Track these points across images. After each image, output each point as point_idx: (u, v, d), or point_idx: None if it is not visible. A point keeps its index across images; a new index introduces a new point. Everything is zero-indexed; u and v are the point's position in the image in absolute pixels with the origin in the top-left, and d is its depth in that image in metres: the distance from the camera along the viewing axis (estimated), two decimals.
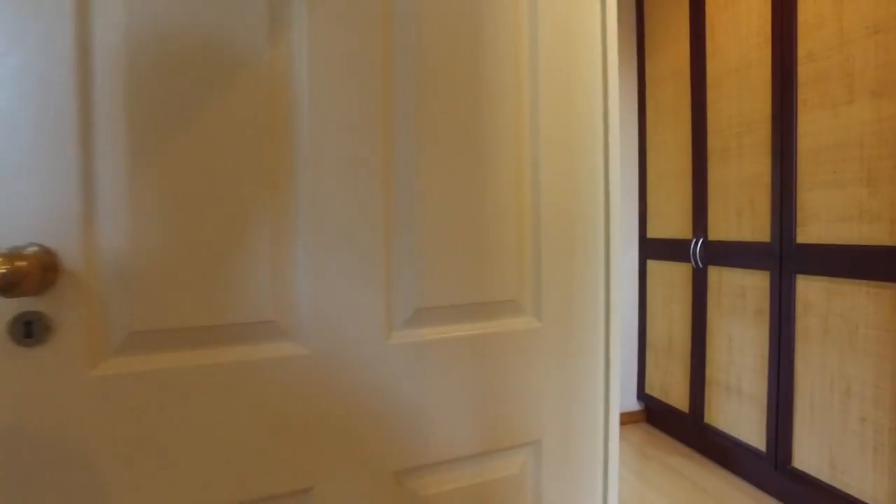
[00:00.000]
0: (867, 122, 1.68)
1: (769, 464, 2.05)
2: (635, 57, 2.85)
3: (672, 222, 2.64)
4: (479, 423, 0.75)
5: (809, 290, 1.88)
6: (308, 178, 0.66)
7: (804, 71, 1.89)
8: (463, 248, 0.74)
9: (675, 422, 2.69)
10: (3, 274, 0.49)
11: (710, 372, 2.38)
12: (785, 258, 1.97)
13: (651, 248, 2.80)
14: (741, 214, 2.19)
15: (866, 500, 1.68)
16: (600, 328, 0.84)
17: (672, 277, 2.64)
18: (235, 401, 0.63)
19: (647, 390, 2.83)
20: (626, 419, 2.89)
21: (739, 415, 2.22)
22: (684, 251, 2.52)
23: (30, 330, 0.54)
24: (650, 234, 2.81)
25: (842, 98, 1.75)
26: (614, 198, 0.84)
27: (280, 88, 0.65)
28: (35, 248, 0.54)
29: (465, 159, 0.74)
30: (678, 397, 2.60)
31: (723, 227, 2.30)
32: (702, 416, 2.42)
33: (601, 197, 0.84)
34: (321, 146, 0.66)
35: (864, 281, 1.69)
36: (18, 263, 0.50)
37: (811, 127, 1.87)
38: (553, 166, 0.79)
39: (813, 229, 1.87)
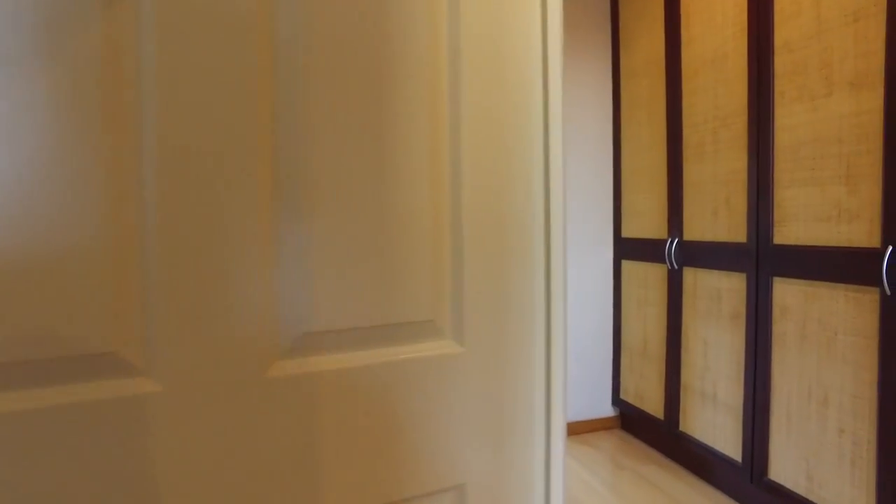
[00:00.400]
0: (846, 116, 1.58)
1: (745, 475, 1.96)
2: (609, 47, 2.74)
3: (647, 221, 2.53)
4: (388, 467, 0.63)
5: (787, 293, 1.79)
6: (157, 174, 0.52)
7: (781, 62, 1.79)
8: (365, 259, 0.61)
9: (649, 429, 2.60)
10: None
11: (686, 377, 2.29)
12: (762, 260, 1.87)
13: (626, 248, 2.70)
14: (717, 213, 2.09)
15: None
16: (539, 350, 0.72)
17: (647, 278, 2.54)
18: (63, 452, 0.50)
19: (622, 395, 2.73)
20: (600, 425, 2.79)
21: (715, 423, 2.12)
22: (659, 251, 2.42)
23: None
24: (625, 234, 2.71)
25: (820, 90, 1.65)
26: (556, 198, 0.72)
27: (118, 66, 0.51)
28: None
29: (366, 153, 0.61)
30: (653, 403, 2.50)
31: (698, 227, 2.20)
32: (676, 424, 2.33)
33: (540, 198, 0.72)
34: (175, 135, 0.53)
35: (843, 284, 1.59)
36: None
37: (788, 121, 1.77)
38: (479, 162, 0.67)
39: (790, 229, 1.77)
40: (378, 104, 0.61)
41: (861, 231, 1.54)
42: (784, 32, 1.77)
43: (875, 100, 1.49)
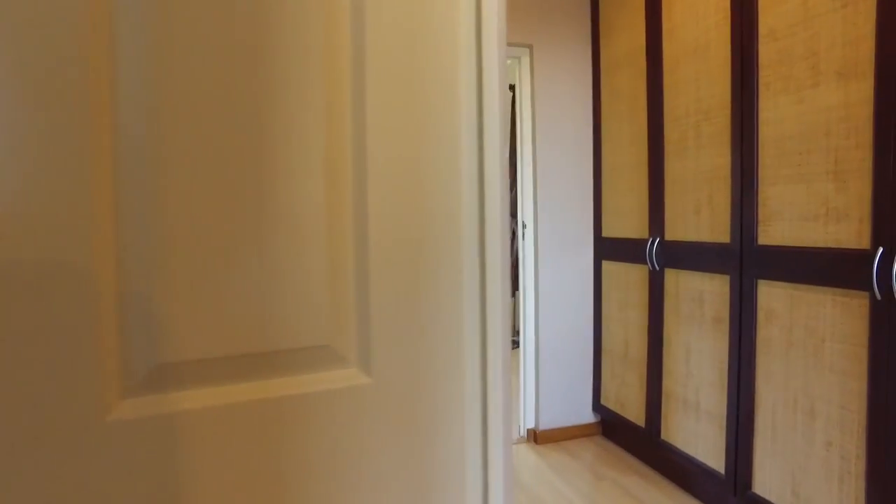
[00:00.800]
0: (834, 108, 1.47)
1: (728, 487, 1.86)
2: (589, 40, 2.63)
3: (628, 220, 2.43)
4: None
5: (772, 297, 1.69)
6: None
7: (766, 51, 1.68)
8: (239, 270, 0.49)
9: (631, 437, 2.50)
10: None
11: (668, 384, 2.18)
12: (745, 261, 1.77)
13: (606, 248, 2.59)
14: (699, 212, 1.99)
15: None
16: (472, 379, 0.60)
17: (628, 280, 2.43)
18: None
19: (603, 401, 2.63)
20: (580, 432, 2.68)
21: (697, 432, 2.02)
22: (640, 252, 2.31)
23: None
24: (605, 233, 2.60)
25: (806, 81, 1.55)
26: (492, 199, 0.60)
27: None
28: None
29: (239, 132, 0.49)
30: (634, 410, 2.40)
31: (680, 226, 2.10)
32: (658, 432, 2.23)
33: (473, 197, 0.60)
34: None
35: (831, 288, 1.49)
36: None
37: (773, 114, 1.66)
38: (390, 150, 0.55)
39: (776, 229, 1.67)
40: (252, 64, 0.49)
41: (850, 231, 1.44)
42: (769, 19, 1.66)
43: (864, 90, 1.39)
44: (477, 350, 0.60)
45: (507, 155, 0.61)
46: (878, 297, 1.34)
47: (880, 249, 1.34)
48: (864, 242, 1.40)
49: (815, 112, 1.53)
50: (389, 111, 0.54)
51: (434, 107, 0.57)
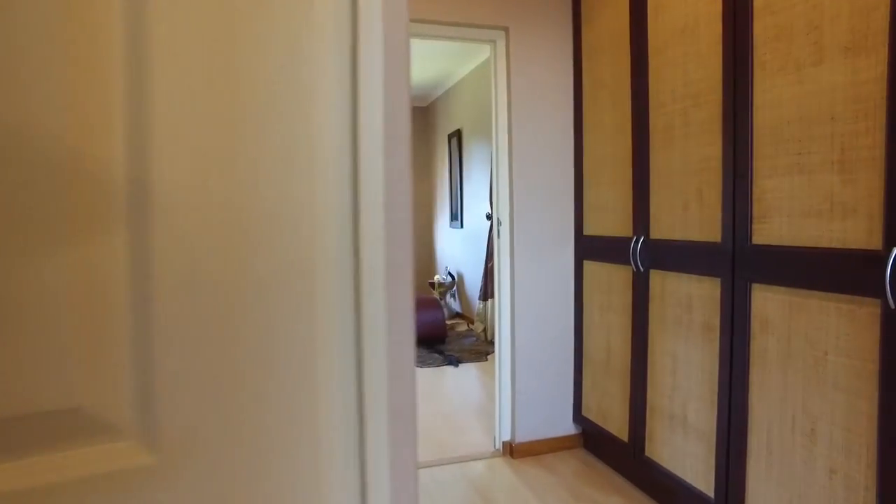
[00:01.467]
0: (839, 88, 1.29)
1: None
2: (570, 20, 2.44)
3: (611, 217, 2.24)
4: None
5: (767, 303, 1.50)
6: None
7: (761, 26, 1.50)
8: None
9: (613, 451, 2.31)
10: None
11: (652, 396, 2.00)
12: (738, 263, 1.59)
13: (587, 247, 2.40)
14: (687, 208, 1.80)
15: None
16: (343, 438, 0.40)
17: (611, 282, 2.24)
18: None
19: (584, 412, 2.44)
20: (560, 445, 2.50)
21: (685, 450, 1.84)
22: (624, 251, 2.12)
23: None
24: (587, 231, 2.41)
25: (808, 58, 1.37)
26: (370, 195, 0.40)
27: None
28: None
29: None
30: (617, 423, 2.22)
31: (667, 224, 1.91)
32: (642, 448, 2.04)
33: (343, 192, 0.40)
34: None
35: (835, 294, 1.31)
36: None
37: (770, 96, 1.48)
38: (192, 102, 0.35)
39: (773, 227, 1.48)
40: None
41: (858, 229, 1.25)
42: None
43: (876, 66, 1.21)
44: (351, 394, 0.40)
45: (407, 136, 0.41)
46: (892, 305, 1.16)
47: (894, 250, 1.15)
48: (875, 242, 1.21)
49: (817, 93, 1.34)
50: (191, 64, 0.34)
51: (276, 61, 0.37)
